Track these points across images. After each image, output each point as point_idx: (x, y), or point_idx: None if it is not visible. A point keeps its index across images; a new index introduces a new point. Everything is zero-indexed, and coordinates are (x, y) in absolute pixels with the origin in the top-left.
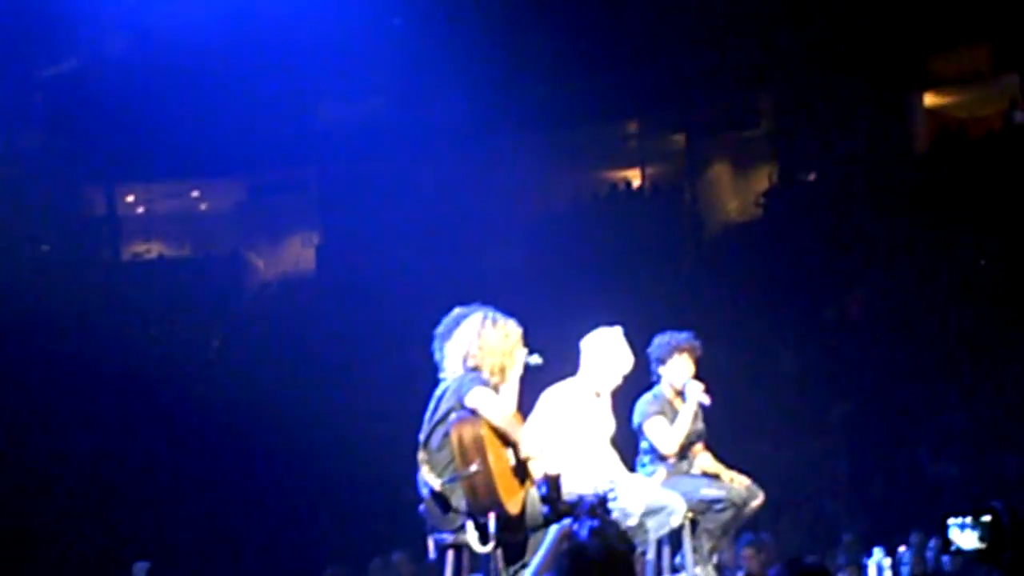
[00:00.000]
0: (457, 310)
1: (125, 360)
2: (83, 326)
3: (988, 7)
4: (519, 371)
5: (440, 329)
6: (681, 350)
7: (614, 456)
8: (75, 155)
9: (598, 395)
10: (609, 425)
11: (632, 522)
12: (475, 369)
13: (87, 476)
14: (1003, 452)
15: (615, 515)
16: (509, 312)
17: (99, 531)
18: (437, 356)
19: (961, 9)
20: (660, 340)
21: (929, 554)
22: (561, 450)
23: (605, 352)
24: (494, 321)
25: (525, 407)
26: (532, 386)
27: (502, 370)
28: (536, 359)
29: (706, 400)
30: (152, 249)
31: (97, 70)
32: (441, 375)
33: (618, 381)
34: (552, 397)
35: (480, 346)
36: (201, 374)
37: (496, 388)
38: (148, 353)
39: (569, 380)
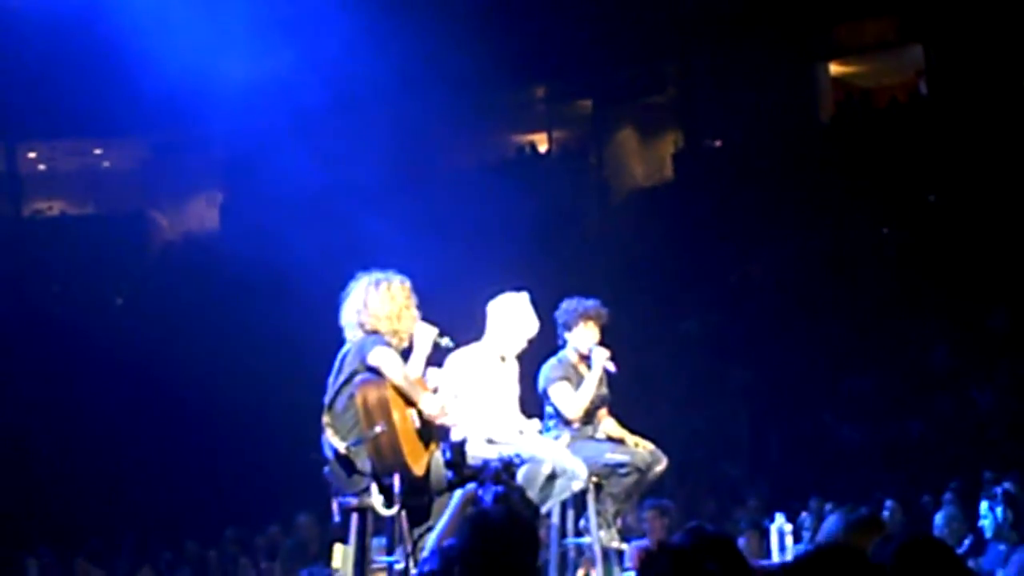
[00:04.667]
0: (359, 276)
1: (26, 317)
2: None
3: None
4: (427, 346)
5: (344, 294)
6: (588, 317)
7: (521, 420)
8: None
9: (503, 359)
10: (514, 389)
11: (545, 470)
12: (373, 332)
13: None
14: (905, 418)
15: (527, 467)
16: (412, 274)
17: None
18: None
19: None
20: (567, 305)
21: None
22: (467, 414)
23: (510, 317)
24: (377, 284)
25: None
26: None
27: (395, 331)
28: (447, 341)
29: (612, 367)
30: (54, 207)
31: None
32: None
33: (523, 345)
34: (458, 361)
35: (370, 313)
36: (104, 332)
37: (397, 349)
38: (50, 311)
39: (474, 344)
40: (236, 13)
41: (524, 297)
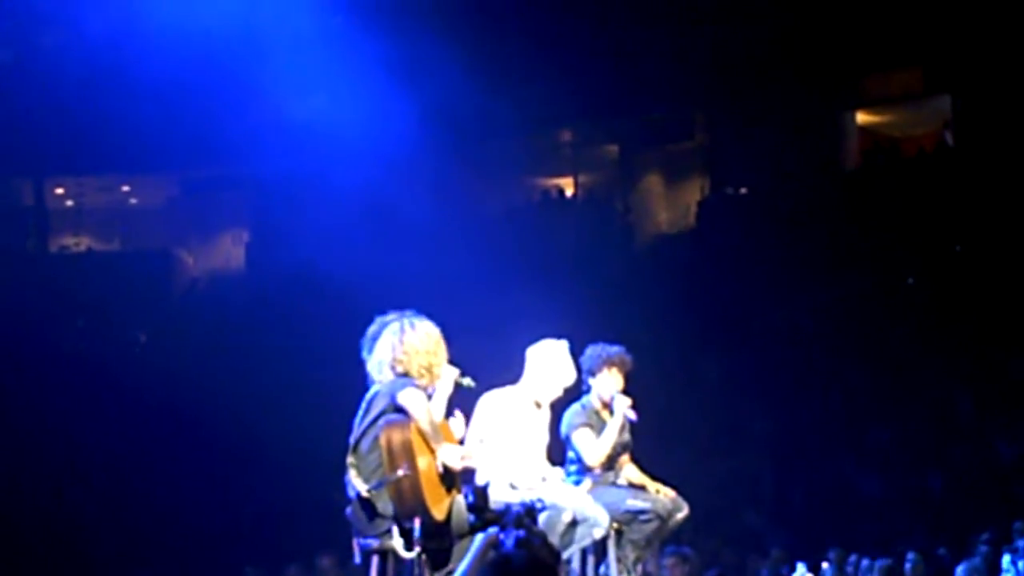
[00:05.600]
0: (378, 320)
1: (50, 352)
2: (8, 317)
3: (922, 29)
4: (449, 386)
5: (372, 330)
6: (611, 364)
7: (545, 467)
8: (4, 146)
9: (538, 406)
10: (544, 437)
11: (566, 517)
12: (404, 374)
13: (1, 467)
14: (927, 470)
15: (548, 513)
16: (438, 317)
17: (7, 528)
18: (364, 355)
19: (895, 29)
20: (592, 351)
21: (849, 570)
22: (494, 456)
23: (549, 364)
24: (412, 325)
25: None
26: (467, 395)
27: (429, 369)
28: (469, 382)
29: (632, 416)
30: (81, 242)
31: (30, 62)
32: (371, 376)
33: (559, 393)
34: (492, 402)
35: (405, 351)
36: (127, 369)
37: (425, 390)
38: (74, 346)
39: (510, 388)
40: (268, 55)
41: (564, 345)
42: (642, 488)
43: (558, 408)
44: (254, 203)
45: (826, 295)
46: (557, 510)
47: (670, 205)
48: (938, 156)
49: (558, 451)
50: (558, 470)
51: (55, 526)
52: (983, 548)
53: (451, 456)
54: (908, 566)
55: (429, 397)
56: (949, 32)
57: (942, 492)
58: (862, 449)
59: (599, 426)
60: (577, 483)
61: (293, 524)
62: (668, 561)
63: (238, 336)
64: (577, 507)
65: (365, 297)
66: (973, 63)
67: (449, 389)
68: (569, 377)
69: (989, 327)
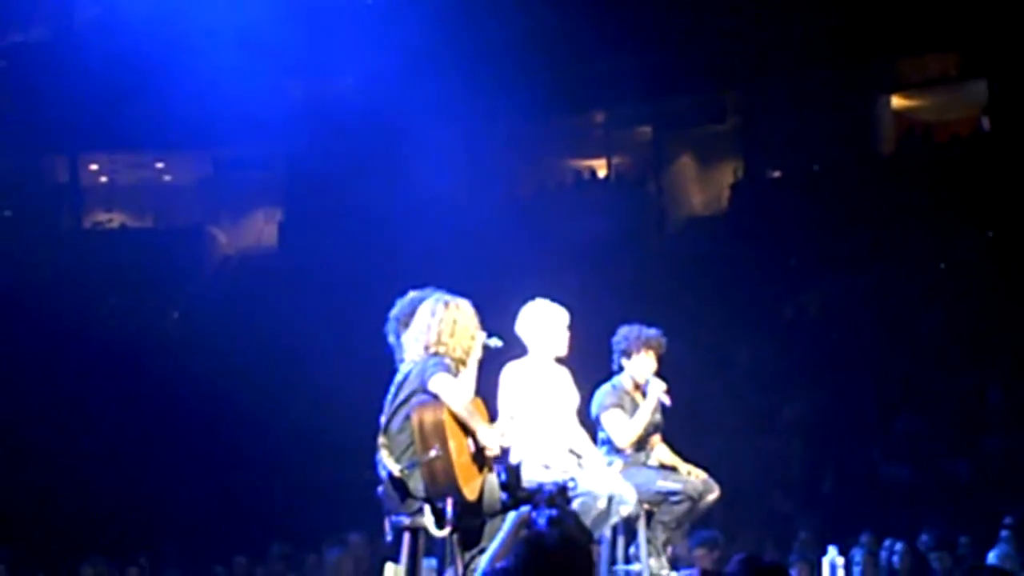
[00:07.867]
0: (412, 294)
1: (83, 328)
2: (42, 293)
3: (958, 12)
4: (479, 353)
5: (395, 312)
6: (648, 346)
7: (580, 431)
8: (39, 122)
9: (557, 361)
10: (573, 396)
11: (601, 504)
12: (436, 354)
13: (40, 442)
14: (955, 457)
15: (582, 499)
16: (471, 297)
17: (43, 501)
18: (391, 339)
19: (931, 13)
20: (627, 332)
21: (883, 554)
22: (528, 428)
23: (539, 321)
24: (447, 304)
25: (484, 390)
26: (489, 370)
27: (466, 350)
28: (496, 341)
29: (667, 400)
30: (114, 219)
31: (64, 38)
32: (399, 356)
33: (565, 337)
34: (513, 374)
35: (439, 331)
36: (159, 345)
37: (457, 371)
38: (106, 322)
39: (524, 358)
40: (302, 34)
41: (539, 301)
42: (673, 469)
43: (587, 386)
44: (287, 181)
45: (858, 280)
46: (592, 496)
47: (703, 188)
48: (973, 142)
49: (588, 430)
50: (595, 450)
51: (85, 502)
52: (1004, 532)
53: (490, 438)
54: (934, 554)
55: (457, 371)
56: (986, 15)
57: (970, 480)
58: (891, 435)
59: (630, 407)
60: (608, 464)
61: (324, 500)
62: (697, 552)
63: (270, 313)
64: (606, 489)
65: (395, 277)
66: (1011, 47)
67: (478, 354)
68: (562, 318)
69: (1021, 315)
